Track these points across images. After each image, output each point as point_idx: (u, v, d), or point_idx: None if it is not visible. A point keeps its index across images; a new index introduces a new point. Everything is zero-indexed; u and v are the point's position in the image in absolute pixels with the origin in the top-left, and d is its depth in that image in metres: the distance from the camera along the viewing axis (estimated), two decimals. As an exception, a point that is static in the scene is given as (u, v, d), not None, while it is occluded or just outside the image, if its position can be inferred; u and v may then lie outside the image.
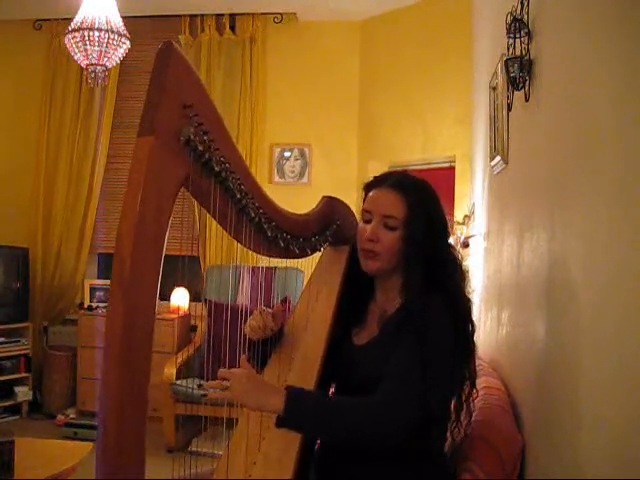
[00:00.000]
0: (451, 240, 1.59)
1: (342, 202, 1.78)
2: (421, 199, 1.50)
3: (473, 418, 1.57)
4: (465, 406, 1.51)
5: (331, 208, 1.73)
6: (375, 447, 1.35)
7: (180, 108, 1.15)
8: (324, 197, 1.77)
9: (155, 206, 1.09)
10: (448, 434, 1.54)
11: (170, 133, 1.14)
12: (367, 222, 1.52)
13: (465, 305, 1.49)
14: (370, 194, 1.55)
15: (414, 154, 4.27)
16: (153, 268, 1.09)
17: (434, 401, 1.36)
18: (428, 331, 1.38)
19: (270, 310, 1.62)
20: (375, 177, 1.58)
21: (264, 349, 1.61)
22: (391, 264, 1.50)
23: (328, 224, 1.71)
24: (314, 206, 1.74)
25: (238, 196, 1.33)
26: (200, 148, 1.18)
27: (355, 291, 1.63)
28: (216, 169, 1.24)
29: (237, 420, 1.49)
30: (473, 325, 1.49)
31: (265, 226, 1.44)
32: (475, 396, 1.54)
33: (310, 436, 1.39)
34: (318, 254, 1.75)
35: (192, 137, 1.16)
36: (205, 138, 1.19)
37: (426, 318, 1.39)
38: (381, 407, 1.31)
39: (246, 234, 1.40)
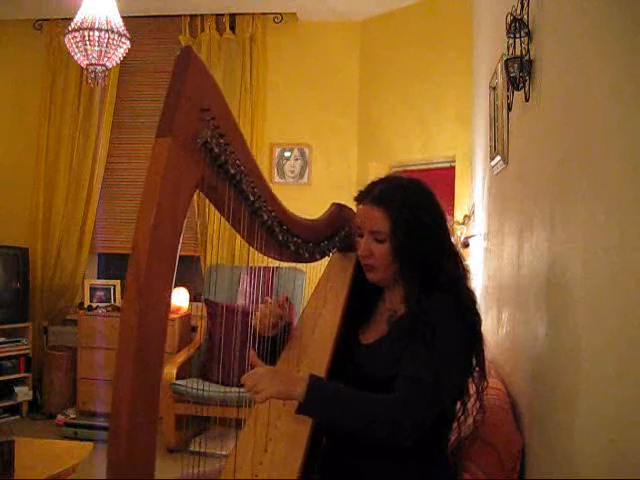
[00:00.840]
0: (450, 239, 1.59)
1: (349, 209, 1.79)
2: (405, 208, 1.48)
3: (473, 418, 1.57)
4: (479, 401, 1.51)
5: (340, 215, 1.76)
6: (388, 444, 1.37)
7: (198, 111, 1.17)
8: (333, 204, 1.79)
9: (171, 206, 1.11)
10: (455, 431, 1.54)
11: (187, 135, 1.15)
12: (360, 236, 1.55)
13: (469, 298, 1.50)
14: (357, 209, 1.58)
15: (414, 154, 4.27)
16: (168, 268, 1.10)
17: (447, 400, 1.41)
18: (438, 331, 1.39)
19: (272, 300, 1.64)
20: (360, 191, 1.58)
21: (272, 349, 1.62)
22: (391, 272, 1.52)
23: (337, 230, 1.73)
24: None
25: (252, 199, 1.34)
26: (216, 151, 1.20)
27: (363, 293, 1.65)
28: (231, 172, 1.25)
29: (244, 420, 1.50)
30: (479, 317, 1.50)
31: (277, 229, 1.46)
32: (485, 386, 1.54)
33: (328, 425, 1.42)
34: (326, 259, 1.76)
35: (209, 140, 1.17)
36: (221, 141, 1.21)
37: (435, 319, 1.41)
38: (398, 406, 1.33)
39: (258, 237, 1.41)
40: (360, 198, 1.57)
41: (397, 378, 1.38)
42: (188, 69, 1.15)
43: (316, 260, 1.67)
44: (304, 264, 1.70)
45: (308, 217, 1.66)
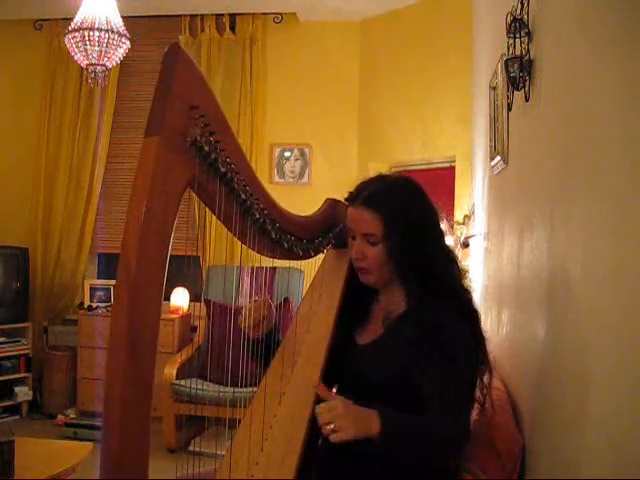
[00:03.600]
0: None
1: (345, 205, 1.78)
2: (397, 208, 1.47)
3: (473, 418, 1.57)
4: (487, 395, 1.51)
5: (334, 211, 1.74)
6: (443, 463, 1.41)
7: (187, 109, 1.15)
8: (327, 199, 1.77)
9: (161, 206, 1.10)
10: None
11: (176, 134, 1.14)
12: (353, 238, 1.53)
13: (468, 298, 1.50)
14: (348, 212, 1.55)
15: (414, 154, 4.27)
16: (158, 267, 1.09)
17: (473, 404, 1.44)
18: (455, 346, 1.40)
19: (258, 299, 1.62)
20: (350, 192, 1.56)
21: (265, 351, 1.61)
22: (385, 274, 1.51)
23: (331, 226, 1.71)
24: (315, 206, 1.75)
25: (243, 197, 1.33)
26: (206, 149, 1.18)
27: (357, 292, 1.63)
28: (222, 170, 1.24)
29: (239, 420, 1.49)
30: (478, 314, 1.50)
31: (269, 227, 1.45)
32: (491, 379, 1.53)
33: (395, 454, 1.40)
34: (321, 256, 1.75)
35: (198, 138, 1.16)
36: (211, 139, 1.19)
37: (446, 333, 1.41)
38: (449, 426, 1.35)
39: (250, 235, 1.40)
40: (350, 200, 1.55)
41: (427, 397, 1.38)
42: (176, 66, 1.13)
43: (310, 257, 1.65)
44: (304, 265, 1.69)
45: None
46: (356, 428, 1.26)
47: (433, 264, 1.47)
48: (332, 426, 1.25)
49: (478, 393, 1.49)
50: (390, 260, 1.47)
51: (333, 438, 1.26)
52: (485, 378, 1.50)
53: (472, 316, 1.48)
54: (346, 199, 1.57)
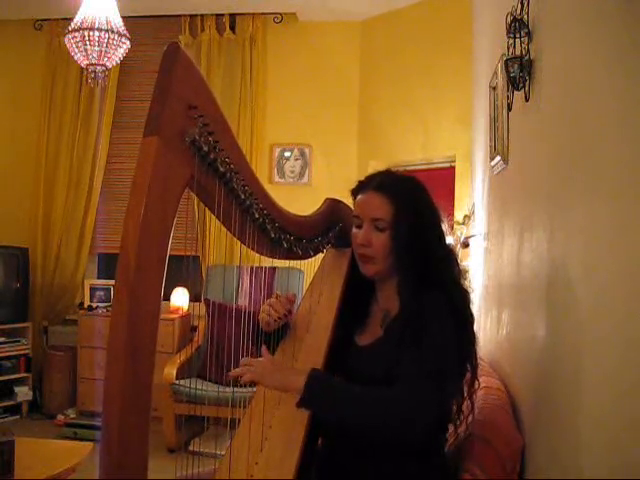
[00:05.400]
0: (450, 239, 1.59)
1: (345, 204, 1.78)
2: (406, 196, 1.51)
3: (466, 418, 1.57)
4: (470, 401, 1.50)
5: (334, 210, 1.74)
6: (391, 441, 1.36)
7: (186, 109, 1.16)
8: (327, 199, 1.77)
9: (160, 205, 1.10)
10: (451, 432, 1.54)
11: (175, 133, 1.14)
12: (358, 227, 1.54)
13: (462, 296, 1.49)
14: (357, 199, 1.57)
15: (414, 154, 4.27)
16: (158, 267, 1.09)
17: (448, 395, 1.41)
18: (430, 329, 1.38)
19: (281, 295, 1.63)
20: (359, 181, 1.59)
21: (267, 347, 1.61)
22: (388, 265, 1.51)
23: (331, 226, 1.72)
24: (315, 206, 1.75)
25: (242, 197, 1.33)
26: (205, 149, 1.19)
27: (357, 292, 1.64)
28: (221, 170, 1.24)
29: (239, 420, 1.49)
30: (472, 316, 1.50)
31: (269, 227, 1.45)
32: (477, 388, 1.53)
33: (328, 419, 1.40)
34: (320, 255, 1.75)
35: (197, 138, 1.16)
36: (210, 139, 1.19)
37: (427, 317, 1.40)
38: (401, 404, 1.32)
39: (250, 235, 1.41)
40: (360, 188, 1.57)
41: (395, 378, 1.36)
42: (175, 65, 1.13)
43: (310, 257, 1.65)
44: (304, 265, 1.69)
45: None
46: (276, 377, 1.36)
47: (434, 259, 1.48)
48: (251, 368, 1.35)
49: (454, 408, 1.48)
50: (394, 250, 1.48)
51: (246, 375, 1.36)
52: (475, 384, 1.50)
53: (464, 316, 1.47)
54: (354, 189, 1.59)
